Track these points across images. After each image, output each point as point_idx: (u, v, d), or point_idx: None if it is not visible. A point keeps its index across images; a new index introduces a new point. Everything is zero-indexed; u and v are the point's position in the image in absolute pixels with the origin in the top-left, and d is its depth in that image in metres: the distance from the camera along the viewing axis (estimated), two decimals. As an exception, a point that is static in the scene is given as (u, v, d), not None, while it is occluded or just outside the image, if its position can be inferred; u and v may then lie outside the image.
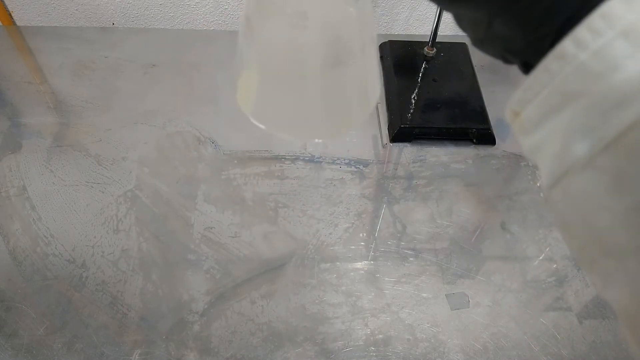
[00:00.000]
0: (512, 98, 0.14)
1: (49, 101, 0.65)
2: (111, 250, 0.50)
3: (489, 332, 0.46)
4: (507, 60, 0.16)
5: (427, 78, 0.66)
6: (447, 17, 0.68)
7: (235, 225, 0.53)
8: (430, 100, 0.63)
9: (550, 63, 0.13)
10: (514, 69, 0.17)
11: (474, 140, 0.62)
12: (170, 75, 0.69)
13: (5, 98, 0.65)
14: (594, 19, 0.12)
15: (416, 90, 0.64)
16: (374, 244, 0.52)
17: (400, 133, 0.61)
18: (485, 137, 0.62)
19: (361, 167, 0.59)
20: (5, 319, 0.45)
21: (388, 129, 0.63)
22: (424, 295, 0.48)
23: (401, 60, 0.68)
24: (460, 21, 0.16)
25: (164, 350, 0.43)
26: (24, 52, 0.73)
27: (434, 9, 0.71)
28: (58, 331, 0.44)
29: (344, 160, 0.60)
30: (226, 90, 0.67)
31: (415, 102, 0.63)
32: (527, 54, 0.14)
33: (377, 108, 0.68)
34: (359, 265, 0.50)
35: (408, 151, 0.61)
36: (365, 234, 0.53)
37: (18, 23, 0.78)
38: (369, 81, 0.24)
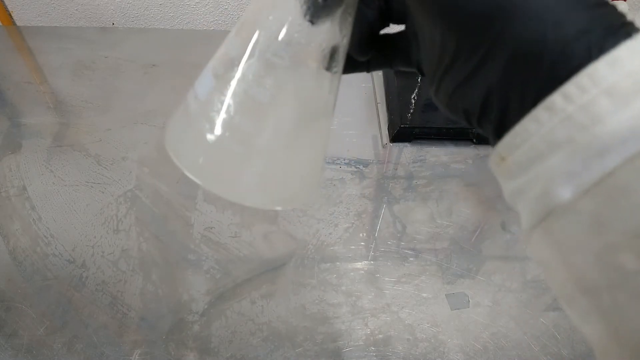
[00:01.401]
0: (500, 144, 0.16)
1: (49, 101, 0.65)
2: (111, 250, 0.50)
3: (489, 332, 0.46)
4: (480, 116, 0.17)
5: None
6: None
7: (235, 225, 0.53)
8: (430, 100, 0.63)
9: (539, 113, 0.14)
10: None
11: (474, 140, 0.62)
12: (170, 75, 0.69)
13: (5, 98, 0.65)
14: (582, 78, 0.13)
15: (416, 90, 0.64)
16: (374, 244, 0.52)
17: (400, 133, 0.61)
18: (485, 137, 0.61)
19: (361, 167, 0.59)
20: (5, 319, 0.45)
21: (388, 128, 0.63)
22: (424, 295, 0.48)
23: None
24: (441, 59, 0.17)
25: (164, 350, 0.43)
26: (24, 52, 0.73)
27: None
28: (58, 331, 0.44)
29: (344, 160, 0.60)
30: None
31: (415, 102, 0.63)
32: (504, 103, 0.15)
33: (377, 108, 0.68)
34: (359, 265, 0.50)
35: (408, 151, 0.61)
36: (365, 234, 0.53)
37: (18, 23, 0.78)
38: (317, 166, 0.24)
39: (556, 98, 0.14)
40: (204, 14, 0.78)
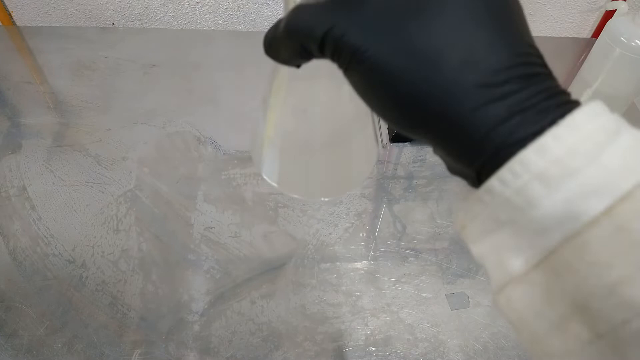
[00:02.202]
0: (457, 214, 0.17)
1: (49, 101, 0.65)
2: (111, 250, 0.50)
3: (489, 332, 0.46)
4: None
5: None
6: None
7: (235, 225, 0.53)
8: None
9: (482, 195, 0.15)
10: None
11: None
12: (170, 75, 0.69)
13: (5, 98, 0.65)
14: (514, 164, 0.14)
15: (416, 90, 0.64)
16: (374, 243, 0.52)
17: (400, 133, 0.61)
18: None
19: (361, 167, 0.59)
20: (5, 319, 0.45)
21: (388, 128, 0.63)
22: (424, 295, 0.48)
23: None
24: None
25: (164, 350, 0.43)
26: (24, 52, 0.73)
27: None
28: (58, 331, 0.44)
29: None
30: (226, 91, 0.67)
31: (415, 102, 0.63)
32: (468, 180, 0.17)
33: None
34: (359, 265, 0.50)
35: (408, 151, 0.61)
36: (365, 234, 0.53)
37: (18, 23, 0.78)
38: (367, 150, 0.28)
39: (494, 182, 0.15)
40: (204, 14, 0.78)
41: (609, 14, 0.75)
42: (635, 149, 0.14)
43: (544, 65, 0.16)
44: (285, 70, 0.22)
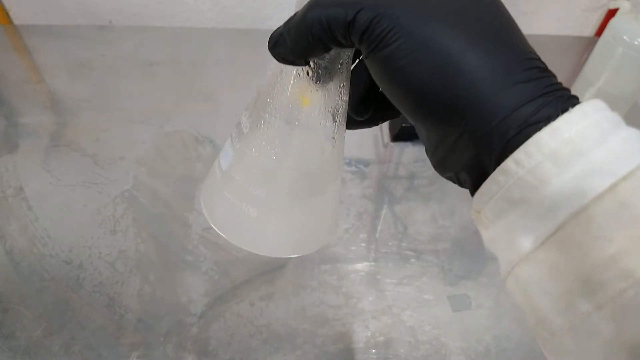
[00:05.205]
0: (473, 199, 0.18)
1: (46, 100, 0.65)
2: (108, 251, 0.50)
3: (492, 334, 0.46)
4: (459, 181, 0.19)
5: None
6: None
7: (234, 226, 0.52)
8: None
9: (497, 176, 0.16)
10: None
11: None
12: (168, 74, 0.69)
13: (2, 97, 0.65)
14: (528, 145, 0.16)
15: (417, 89, 0.64)
16: (374, 245, 0.52)
17: (402, 132, 0.61)
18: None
19: (362, 166, 0.59)
20: (2, 321, 0.44)
21: (389, 128, 0.63)
22: (426, 296, 0.48)
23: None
24: (428, 139, 0.19)
25: (162, 352, 0.43)
26: (21, 51, 0.73)
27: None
28: (55, 333, 0.44)
29: (345, 159, 0.59)
30: (225, 89, 0.67)
31: (416, 101, 0.63)
32: (476, 171, 0.18)
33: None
34: (359, 266, 0.50)
35: (409, 150, 0.61)
36: (366, 235, 0.52)
37: (15, 22, 0.78)
38: (332, 212, 0.27)
39: (509, 163, 0.16)
40: (202, 12, 0.78)
41: (611, 13, 0.75)
42: (635, 138, 0.16)
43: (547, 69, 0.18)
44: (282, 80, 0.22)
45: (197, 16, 0.78)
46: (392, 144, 0.62)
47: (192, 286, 0.47)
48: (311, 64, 0.21)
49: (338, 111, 0.23)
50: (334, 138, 0.24)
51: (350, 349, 0.44)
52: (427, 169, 0.59)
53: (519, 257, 0.16)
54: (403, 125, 0.60)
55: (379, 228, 0.53)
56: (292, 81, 0.22)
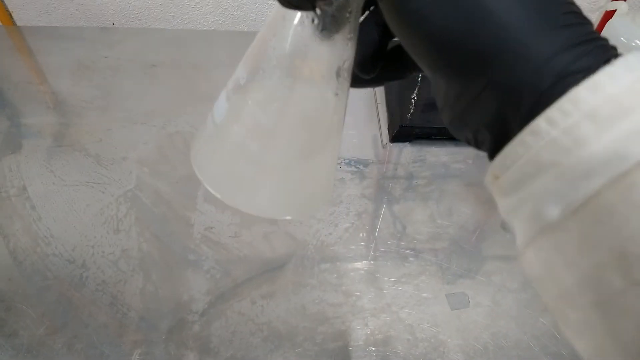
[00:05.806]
0: (492, 163, 0.16)
1: (49, 101, 0.65)
2: (111, 250, 0.50)
3: (489, 332, 0.46)
4: (477, 141, 0.17)
5: (427, 78, 0.66)
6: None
7: (236, 225, 0.53)
8: (430, 100, 0.63)
9: (525, 136, 0.14)
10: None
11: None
12: (170, 75, 0.69)
13: (5, 98, 0.65)
14: (564, 102, 0.14)
15: (416, 90, 0.64)
16: (374, 244, 0.52)
17: (400, 133, 0.61)
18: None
19: (361, 167, 0.59)
20: (5, 319, 0.45)
21: (388, 128, 0.63)
22: (424, 295, 0.48)
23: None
24: (446, 94, 0.17)
25: (164, 350, 0.43)
26: (24, 53, 0.73)
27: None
28: (58, 331, 0.44)
29: (344, 160, 0.60)
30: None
31: (415, 102, 0.63)
32: (499, 128, 0.16)
33: (377, 108, 0.68)
34: (359, 265, 0.50)
35: (408, 151, 0.61)
36: (365, 234, 0.53)
37: (18, 23, 0.78)
38: (328, 174, 0.25)
39: (541, 122, 0.14)
40: (204, 14, 0.78)
41: (609, 14, 0.75)
42: None
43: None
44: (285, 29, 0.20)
45: (198, 18, 0.79)
46: (391, 144, 0.62)
47: (193, 285, 0.48)
48: (317, 10, 0.19)
49: (343, 65, 0.21)
50: (337, 94, 0.22)
51: (349, 346, 0.45)
52: (426, 169, 0.59)
53: (544, 226, 0.15)
54: (402, 125, 0.61)
55: (378, 227, 0.54)
56: (295, 29, 0.20)
